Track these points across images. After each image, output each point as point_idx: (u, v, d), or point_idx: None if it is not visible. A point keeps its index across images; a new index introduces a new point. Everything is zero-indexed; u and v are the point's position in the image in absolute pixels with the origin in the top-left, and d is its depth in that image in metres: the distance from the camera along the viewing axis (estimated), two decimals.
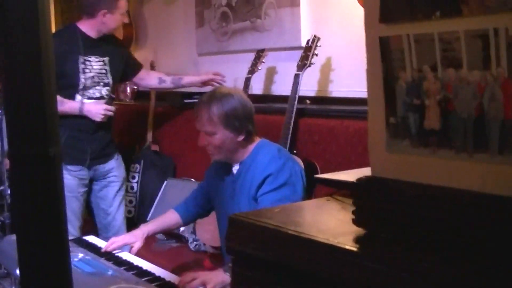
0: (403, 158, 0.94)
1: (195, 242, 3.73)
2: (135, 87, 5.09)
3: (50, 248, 1.41)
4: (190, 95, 4.49)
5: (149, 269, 2.63)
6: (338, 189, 1.27)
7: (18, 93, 1.32)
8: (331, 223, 1.11)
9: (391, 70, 0.94)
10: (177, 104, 4.57)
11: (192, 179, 4.13)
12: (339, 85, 3.64)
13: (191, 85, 4.17)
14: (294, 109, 3.38)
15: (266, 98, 4.05)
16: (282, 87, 3.92)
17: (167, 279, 2.52)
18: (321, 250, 0.98)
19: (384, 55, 0.95)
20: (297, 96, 3.39)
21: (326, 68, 3.66)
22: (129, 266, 2.67)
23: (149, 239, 4.00)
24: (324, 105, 3.61)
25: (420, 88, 0.91)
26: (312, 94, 3.71)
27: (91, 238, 3.17)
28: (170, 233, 3.96)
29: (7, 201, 3.95)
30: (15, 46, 1.29)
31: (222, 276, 2.47)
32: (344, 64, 3.58)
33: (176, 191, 4.14)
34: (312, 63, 3.42)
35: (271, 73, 4.07)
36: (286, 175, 2.65)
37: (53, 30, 4.45)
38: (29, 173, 1.37)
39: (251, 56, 3.92)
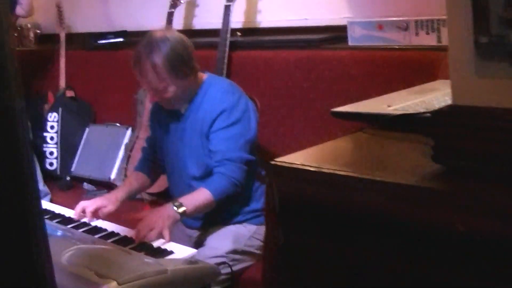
0: (499, 83, 0.82)
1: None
2: (38, 31, 4.74)
3: (22, 219, 1.21)
4: (103, 35, 4.19)
5: (98, 225, 2.44)
6: (387, 124, 1.13)
7: None
8: (395, 161, 0.98)
9: None
10: (90, 46, 4.26)
11: (117, 124, 3.89)
12: (268, 15, 3.48)
13: None
14: (228, 42, 3.20)
15: (191, 33, 3.83)
16: (207, 20, 3.72)
17: (121, 233, 2.35)
18: (398, 193, 0.85)
19: None
20: (229, 29, 3.20)
21: None
22: (75, 223, 2.47)
23: (78, 191, 3.80)
24: (256, 36, 3.45)
25: None
26: (240, 26, 3.54)
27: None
28: (99, 182, 3.75)
29: None
30: None
31: (171, 212, 2.34)
32: None
33: (101, 137, 3.90)
34: None
35: (193, 6, 3.85)
36: (240, 111, 2.52)
37: None
38: None
39: None
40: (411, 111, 1.14)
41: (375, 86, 2.69)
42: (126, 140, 3.73)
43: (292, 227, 0.97)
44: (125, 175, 3.56)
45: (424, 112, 0.91)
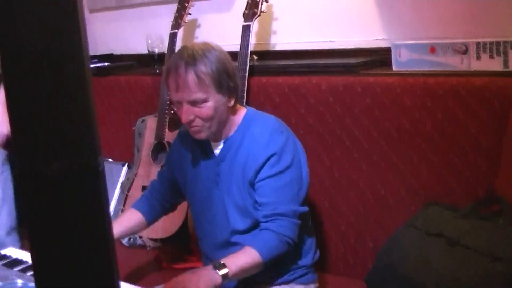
0: None
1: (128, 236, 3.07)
2: None
3: None
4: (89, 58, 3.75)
5: None
6: None
7: (42, 79, 0.72)
8: None
9: None
10: None
11: (110, 159, 3.44)
12: (284, 37, 3.12)
13: None
14: (247, 67, 2.80)
15: None
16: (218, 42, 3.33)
17: None
18: None
19: None
20: (249, 51, 2.80)
21: (268, 18, 3.12)
22: None
23: None
24: (274, 60, 3.07)
25: None
26: (251, 48, 3.15)
27: (11, 251, 2.42)
28: None
29: None
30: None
31: (211, 275, 1.92)
32: (290, 13, 3.07)
33: None
34: (263, 11, 2.85)
35: (195, 26, 3.45)
36: (290, 154, 2.10)
37: None
38: (72, 196, 0.80)
39: (163, 9, 3.31)
40: None
41: (434, 120, 2.33)
42: (122, 178, 3.29)
43: None
44: None
45: None
